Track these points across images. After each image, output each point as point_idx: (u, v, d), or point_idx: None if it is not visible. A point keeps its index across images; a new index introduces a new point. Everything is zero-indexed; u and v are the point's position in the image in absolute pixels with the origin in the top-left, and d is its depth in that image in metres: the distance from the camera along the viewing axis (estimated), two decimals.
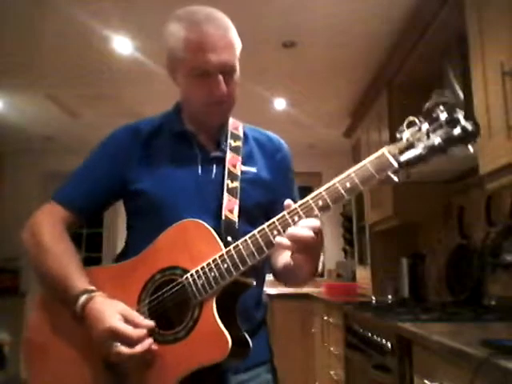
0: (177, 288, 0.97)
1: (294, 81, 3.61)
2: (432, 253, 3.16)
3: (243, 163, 1.15)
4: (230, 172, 1.11)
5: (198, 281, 0.95)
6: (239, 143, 1.17)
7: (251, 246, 0.92)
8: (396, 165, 0.87)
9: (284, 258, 1.09)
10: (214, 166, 1.13)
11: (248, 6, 2.59)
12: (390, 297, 3.30)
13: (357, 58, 3.23)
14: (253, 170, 1.16)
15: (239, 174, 1.12)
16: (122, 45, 2.98)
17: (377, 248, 3.73)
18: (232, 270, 0.93)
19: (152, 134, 1.16)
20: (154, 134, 1.16)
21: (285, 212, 0.92)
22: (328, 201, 0.89)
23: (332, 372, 3.26)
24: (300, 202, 0.92)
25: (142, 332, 0.94)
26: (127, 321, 0.95)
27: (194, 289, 0.95)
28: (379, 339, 2.06)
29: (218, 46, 1.04)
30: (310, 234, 0.88)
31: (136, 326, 0.94)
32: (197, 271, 0.96)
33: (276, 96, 3.88)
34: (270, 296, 4.38)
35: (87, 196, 1.13)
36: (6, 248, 4.52)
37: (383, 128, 3.22)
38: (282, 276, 1.15)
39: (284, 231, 0.91)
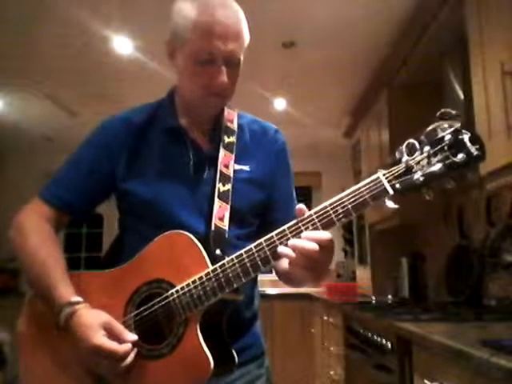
0: (163, 303, 0.95)
1: (293, 81, 3.61)
2: (432, 253, 3.16)
3: (236, 161, 1.09)
4: (221, 174, 1.06)
5: (182, 298, 0.92)
6: (233, 139, 1.12)
7: (237, 267, 0.90)
8: (391, 192, 0.82)
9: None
10: (207, 166, 1.08)
11: (248, 5, 2.58)
12: (389, 297, 3.30)
13: (357, 58, 3.23)
14: (246, 168, 1.10)
15: (232, 174, 1.07)
16: (122, 45, 2.97)
17: (377, 248, 3.73)
18: (217, 290, 0.90)
19: (144, 125, 1.11)
20: (147, 126, 1.11)
21: (272, 234, 0.88)
22: (320, 228, 0.85)
23: (332, 372, 3.26)
24: (286, 227, 0.88)
25: (128, 347, 0.91)
26: (111, 335, 0.92)
27: (179, 306, 0.92)
28: (379, 339, 2.06)
29: (227, 35, 0.99)
30: (315, 247, 0.83)
31: (121, 340, 0.91)
32: (182, 288, 0.93)
33: (276, 96, 3.88)
34: (270, 296, 4.38)
35: (76, 193, 1.08)
36: (5, 248, 4.52)
37: (383, 128, 3.22)
38: (283, 277, 1.12)
39: (267, 257, 0.88)
